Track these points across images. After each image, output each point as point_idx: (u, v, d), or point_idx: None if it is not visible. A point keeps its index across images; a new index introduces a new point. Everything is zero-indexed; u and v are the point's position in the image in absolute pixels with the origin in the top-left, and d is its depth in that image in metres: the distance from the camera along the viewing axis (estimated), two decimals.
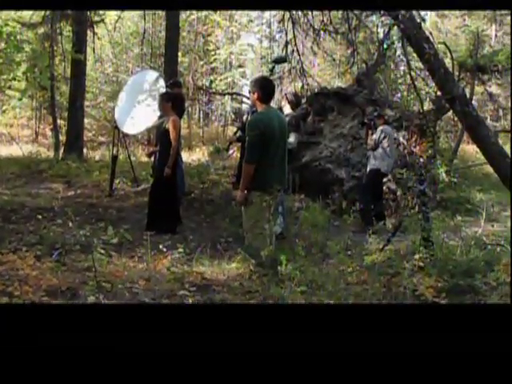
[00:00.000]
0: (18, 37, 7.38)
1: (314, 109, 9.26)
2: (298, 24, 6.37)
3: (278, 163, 4.34)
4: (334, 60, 16.62)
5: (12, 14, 16.44)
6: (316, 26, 7.05)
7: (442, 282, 3.73)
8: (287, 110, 5.79)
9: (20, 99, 17.09)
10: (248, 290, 3.80)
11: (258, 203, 4.17)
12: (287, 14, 6.85)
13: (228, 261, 4.55)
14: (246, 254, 4.26)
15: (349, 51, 13.81)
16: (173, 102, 5.89)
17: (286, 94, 6.03)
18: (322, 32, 6.45)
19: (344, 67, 16.97)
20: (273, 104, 5.91)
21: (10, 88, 17.18)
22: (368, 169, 7.02)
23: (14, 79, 16.29)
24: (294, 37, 6.58)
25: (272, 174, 4.25)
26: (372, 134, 7.04)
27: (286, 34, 6.61)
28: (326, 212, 6.05)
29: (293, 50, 6.63)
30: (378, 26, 8.75)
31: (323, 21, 6.78)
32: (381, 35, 10.17)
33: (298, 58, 6.69)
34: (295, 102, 5.87)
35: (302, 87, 7.58)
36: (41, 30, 14.42)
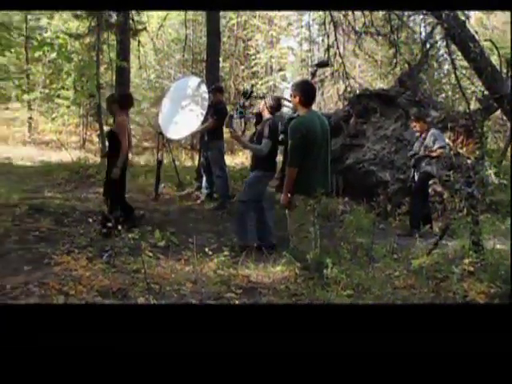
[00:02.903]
0: (68, 48, 7.64)
1: (356, 111, 9.20)
2: (340, 27, 6.33)
3: (321, 166, 4.33)
4: (376, 61, 16.39)
5: (60, 25, 17.14)
6: (357, 28, 6.98)
7: (494, 288, 3.64)
8: (266, 114, 5.43)
9: (68, 107, 17.74)
10: (294, 292, 3.82)
11: (303, 206, 4.19)
12: (328, 17, 6.82)
13: (273, 264, 4.58)
14: (292, 257, 4.26)
15: (390, 52, 13.61)
16: (119, 102, 5.86)
17: (264, 98, 5.65)
18: (363, 34, 6.38)
19: (385, 68, 16.75)
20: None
21: (58, 97, 17.86)
22: (420, 172, 6.82)
23: (63, 88, 16.95)
24: (336, 39, 6.54)
25: (315, 178, 4.25)
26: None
27: (328, 37, 6.58)
28: (371, 215, 5.98)
29: (335, 53, 6.59)
30: (420, 26, 8.60)
31: (365, 23, 6.72)
32: (423, 35, 9.98)
33: (340, 60, 6.64)
34: (275, 107, 5.47)
35: (345, 89, 7.52)
36: (87, 41, 14.89)
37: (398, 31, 6.89)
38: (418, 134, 7.00)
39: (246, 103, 5.77)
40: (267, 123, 5.31)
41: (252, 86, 7.32)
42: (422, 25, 10.58)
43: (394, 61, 7.42)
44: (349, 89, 7.57)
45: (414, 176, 6.98)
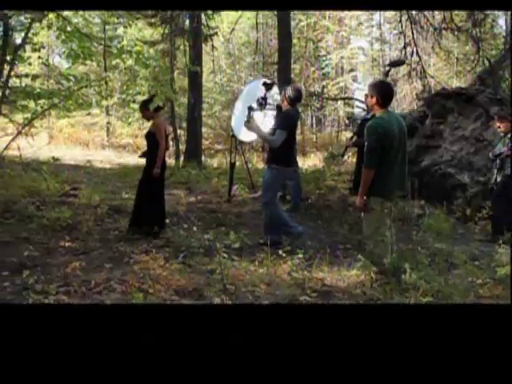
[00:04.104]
0: (145, 55, 7.93)
1: (433, 111, 8.87)
2: (419, 24, 6.10)
3: (398, 168, 4.20)
4: (457, 59, 15.64)
5: (135, 33, 17.92)
6: (436, 25, 6.72)
7: None
8: (285, 105, 5.22)
9: None
10: (370, 297, 3.73)
11: (379, 209, 4.08)
12: (405, 15, 6.61)
13: (348, 267, 4.49)
14: (368, 261, 4.16)
15: (466, 48, 13.00)
16: (152, 105, 5.84)
17: (284, 89, 5.44)
18: (443, 30, 6.11)
19: (462, 66, 16.02)
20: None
21: (134, 102, 18.63)
22: (504, 174, 6.42)
23: (139, 93, 17.67)
24: (413, 37, 6.31)
25: (392, 180, 4.13)
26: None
27: (404, 35, 6.35)
28: (451, 219, 5.72)
29: (412, 52, 6.36)
30: (506, 20, 8.14)
31: (444, 18, 6.44)
32: (503, 28, 9.45)
33: (417, 59, 6.39)
34: (294, 98, 5.21)
35: (424, 88, 7.24)
36: (160, 47, 15.44)
37: (481, 26, 6.53)
38: (501, 134, 6.62)
39: (268, 95, 5.67)
40: (283, 114, 5.20)
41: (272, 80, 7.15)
42: (503, 18, 10.03)
43: (476, 57, 7.02)
44: (427, 88, 7.28)
45: (496, 178, 6.59)
